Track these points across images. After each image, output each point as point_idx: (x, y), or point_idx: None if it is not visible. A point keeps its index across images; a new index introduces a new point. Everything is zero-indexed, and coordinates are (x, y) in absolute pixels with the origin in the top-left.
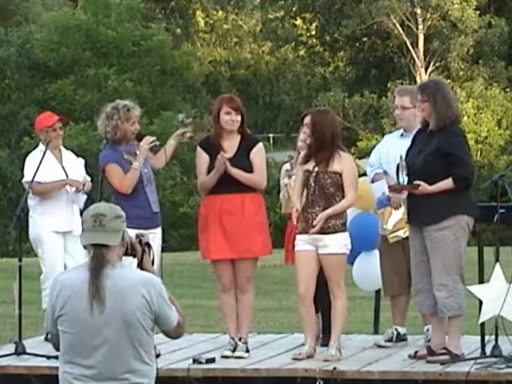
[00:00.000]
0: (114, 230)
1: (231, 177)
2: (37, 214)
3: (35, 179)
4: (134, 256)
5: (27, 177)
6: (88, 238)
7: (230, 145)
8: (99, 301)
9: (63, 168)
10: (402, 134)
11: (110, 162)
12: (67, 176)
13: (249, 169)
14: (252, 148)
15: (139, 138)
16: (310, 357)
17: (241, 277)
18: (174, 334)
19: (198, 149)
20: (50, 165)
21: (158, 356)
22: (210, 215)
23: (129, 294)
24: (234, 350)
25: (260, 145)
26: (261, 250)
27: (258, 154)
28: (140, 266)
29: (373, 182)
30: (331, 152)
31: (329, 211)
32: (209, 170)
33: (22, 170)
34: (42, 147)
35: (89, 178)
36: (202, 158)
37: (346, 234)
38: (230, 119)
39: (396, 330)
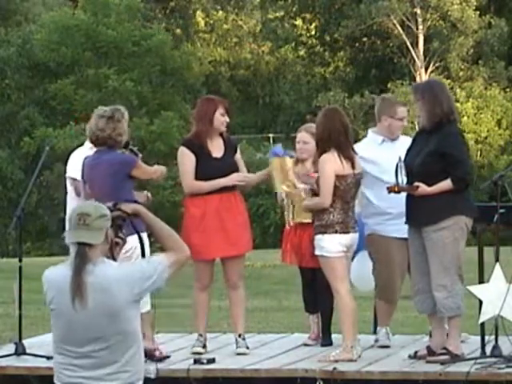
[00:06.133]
0: (97, 229)
1: (226, 176)
2: None
3: (78, 178)
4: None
5: (72, 173)
6: (72, 236)
7: (216, 145)
8: (81, 297)
9: None
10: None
11: None
12: None
13: (234, 168)
14: (235, 149)
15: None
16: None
17: (234, 273)
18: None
19: (184, 149)
20: None
21: (165, 358)
22: (206, 214)
23: (112, 290)
24: (203, 346)
25: (238, 146)
26: (250, 245)
27: (239, 155)
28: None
29: None
30: (317, 156)
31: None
32: (196, 170)
33: (66, 163)
34: (90, 144)
35: None
36: (189, 159)
37: (323, 237)
38: (225, 120)
39: (386, 329)
